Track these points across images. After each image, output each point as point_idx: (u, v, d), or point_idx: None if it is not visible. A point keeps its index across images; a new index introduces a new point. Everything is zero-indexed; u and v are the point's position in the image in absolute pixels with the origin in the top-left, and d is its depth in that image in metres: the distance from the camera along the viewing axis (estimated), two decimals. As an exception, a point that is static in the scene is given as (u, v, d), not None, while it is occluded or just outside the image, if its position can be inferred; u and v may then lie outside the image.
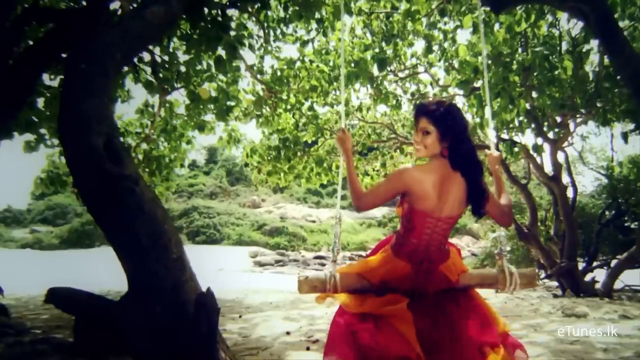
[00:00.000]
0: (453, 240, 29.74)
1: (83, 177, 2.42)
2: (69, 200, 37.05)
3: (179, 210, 35.21)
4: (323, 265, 24.59)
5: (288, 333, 4.72)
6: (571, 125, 9.41)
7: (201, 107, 7.33)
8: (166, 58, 7.13)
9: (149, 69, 7.21)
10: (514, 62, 6.72)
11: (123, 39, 2.80)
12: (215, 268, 19.50)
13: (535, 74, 6.84)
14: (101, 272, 16.06)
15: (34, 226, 33.47)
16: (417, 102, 9.63)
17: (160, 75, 7.22)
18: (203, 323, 2.26)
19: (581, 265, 10.53)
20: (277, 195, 40.33)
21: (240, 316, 5.67)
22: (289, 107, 9.13)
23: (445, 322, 2.43)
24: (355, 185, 2.53)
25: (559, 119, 9.20)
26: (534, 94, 8.00)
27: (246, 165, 11.03)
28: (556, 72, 6.52)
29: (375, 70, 9.07)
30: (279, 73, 7.91)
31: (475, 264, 14.04)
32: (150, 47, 7.19)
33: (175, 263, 2.37)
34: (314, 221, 35.93)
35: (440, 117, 2.40)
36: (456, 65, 9.26)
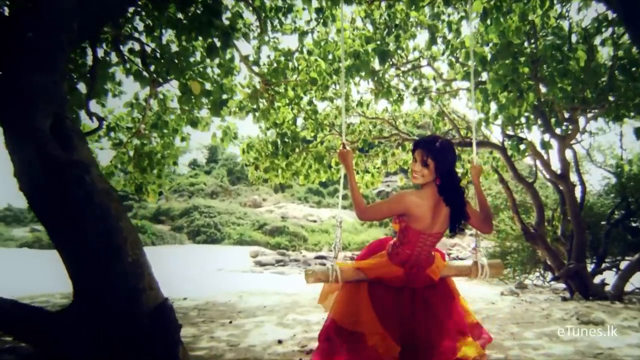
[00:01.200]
0: (455, 240, 29.39)
1: (23, 164, 1.99)
2: (70, 199, 36.73)
3: (179, 209, 34.84)
4: (324, 265, 24.16)
5: (280, 342, 4.28)
6: (581, 121, 8.95)
7: (193, 100, 6.89)
8: (156, 48, 6.74)
9: (139, 60, 6.82)
10: (524, 52, 6.26)
11: (82, 6, 2.38)
12: (215, 268, 19.09)
13: (545, 65, 6.40)
14: None
15: (35, 225, 33.07)
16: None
17: (152, 67, 6.81)
18: (159, 342, 1.83)
19: (589, 267, 10.07)
20: (278, 194, 39.95)
21: (230, 322, 5.24)
22: (287, 101, 8.71)
23: (425, 310, 2.96)
24: (357, 199, 2.97)
25: (567, 115, 8.75)
26: (543, 88, 7.58)
27: (247, 165, 10.59)
28: (568, 64, 6.07)
29: (376, 64, 8.66)
30: (275, 65, 7.46)
31: (479, 265, 13.57)
32: (142, 37, 6.83)
33: (130, 268, 1.92)
34: (315, 221, 35.50)
35: (438, 152, 2.88)
36: (461, 58, 8.84)
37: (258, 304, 6.67)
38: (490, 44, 6.41)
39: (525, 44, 7.22)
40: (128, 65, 6.87)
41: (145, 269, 2.01)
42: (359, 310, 3.00)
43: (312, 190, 40.31)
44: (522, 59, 6.39)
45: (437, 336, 2.88)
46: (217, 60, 7.45)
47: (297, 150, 9.52)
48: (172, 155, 8.61)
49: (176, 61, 6.45)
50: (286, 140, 9.23)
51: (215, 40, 5.99)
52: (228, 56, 6.84)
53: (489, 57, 6.34)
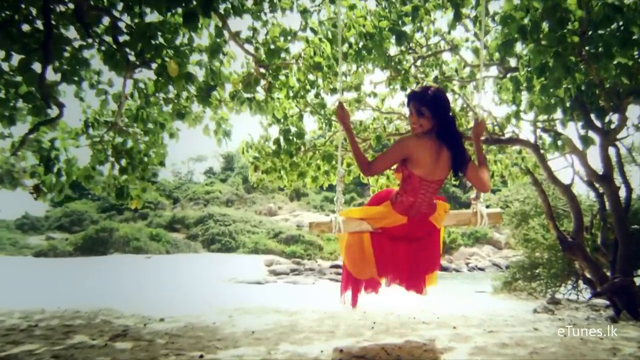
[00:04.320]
0: (474, 250, 27.84)
1: None
2: (86, 207, 36.05)
3: (194, 217, 33.88)
4: (339, 274, 23.02)
5: (254, 396, 3.00)
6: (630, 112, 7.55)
7: (172, 85, 5.67)
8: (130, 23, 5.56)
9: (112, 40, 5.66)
10: (573, 18, 4.92)
11: None
12: (224, 278, 17.90)
13: (599, 34, 5.04)
14: (85, 284, 14.75)
15: (50, 233, 32.37)
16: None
17: (129, 52, 5.63)
18: None
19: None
20: (294, 203, 38.78)
21: (201, 356, 3.97)
22: (291, 93, 7.50)
23: (416, 261, 3.38)
24: (360, 157, 3.14)
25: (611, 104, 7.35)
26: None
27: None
28: (630, 31, 4.72)
29: (392, 49, 7.42)
30: (272, 45, 6.21)
31: (506, 278, 12.15)
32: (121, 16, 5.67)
33: None
34: (331, 229, 34.21)
35: (431, 100, 3.00)
36: (489, 39, 7.54)
37: (247, 327, 5.39)
38: (531, 10, 5.06)
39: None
40: (94, 43, 5.74)
41: None
42: (364, 259, 3.33)
43: (329, 198, 39.08)
44: (566, 36, 5.06)
45: (417, 273, 3.41)
46: (206, 40, 6.30)
47: (302, 149, 8.28)
48: (159, 155, 7.44)
49: (150, 35, 5.26)
50: (290, 137, 7.99)
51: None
52: (211, 29, 5.66)
53: (529, 25, 5.01)
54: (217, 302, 9.05)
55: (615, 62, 5.06)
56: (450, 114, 3.15)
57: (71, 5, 5.49)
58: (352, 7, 6.54)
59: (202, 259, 27.14)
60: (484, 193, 3.37)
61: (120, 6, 5.58)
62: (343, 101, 8.84)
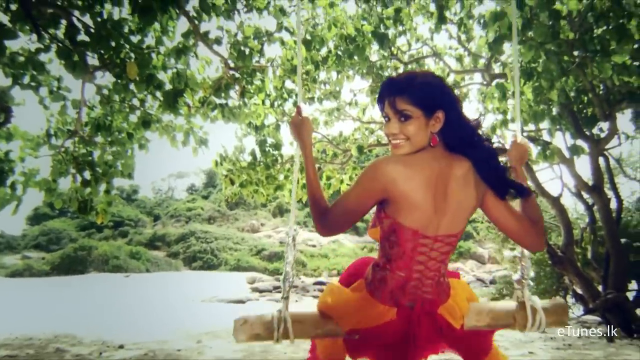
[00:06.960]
0: (457, 265, 26.97)
1: None
2: (64, 225, 34.98)
3: (176, 235, 33.02)
4: (322, 292, 22.42)
5: None
6: (619, 120, 7.20)
7: (133, 89, 5.15)
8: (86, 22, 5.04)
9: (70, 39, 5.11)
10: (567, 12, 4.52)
11: None
12: (203, 297, 17.18)
13: (593, 30, 4.65)
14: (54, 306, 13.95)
15: (27, 252, 31.25)
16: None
17: (89, 54, 5.08)
18: None
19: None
20: (277, 219, 38.09)
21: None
22: (267, 101, 7.03)
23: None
24: (316, 195, 1.63)
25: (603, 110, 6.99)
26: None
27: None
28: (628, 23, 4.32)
29: (373, 56, 7.02)
30: (243, 48, 5.71)
31: (493, 294, 11.64)
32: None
33: None
34: (314, 245, 33.55)
35: (420, 91, 1.51)
36: (474, 46, 7.16)
37: (215, 354, 4.81)
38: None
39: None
40: (52, 45, 5.20)
41: None
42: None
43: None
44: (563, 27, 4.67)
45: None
46: (175, 42, 5.82)
47: (279, 160, 7.77)
48: (126, 166, 6.86)
49: (107, 34, 4.74)
50: (266, 148, 7.49)
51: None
52: (174, 27, 5.18)
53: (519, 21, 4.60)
54: (190, 323, 8.44)
55: (611, 62, 4.67)
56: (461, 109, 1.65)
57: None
58: (331, 5, 6.07)
59: (183, 277, 26.36)
60: (534, 251, 1.80)
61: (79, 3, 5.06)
62: (321, 111, 8.44)
